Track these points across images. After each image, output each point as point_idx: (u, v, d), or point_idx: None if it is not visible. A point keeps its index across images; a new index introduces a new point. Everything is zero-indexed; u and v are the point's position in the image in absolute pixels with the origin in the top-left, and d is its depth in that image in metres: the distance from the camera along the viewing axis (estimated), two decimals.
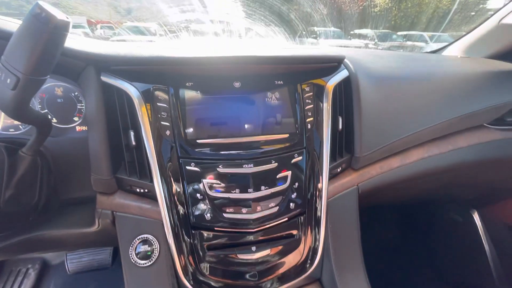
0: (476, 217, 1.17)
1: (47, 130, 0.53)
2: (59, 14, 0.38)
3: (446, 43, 1.19)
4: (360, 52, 1.03)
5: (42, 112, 0.62)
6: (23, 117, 0.46)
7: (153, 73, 0.58)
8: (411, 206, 1.34)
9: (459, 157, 0.87)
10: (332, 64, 0.68)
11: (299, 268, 0.65)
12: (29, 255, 1.27)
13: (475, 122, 0.88)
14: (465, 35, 1.13)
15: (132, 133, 0.57)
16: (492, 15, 1.01)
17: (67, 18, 0.39)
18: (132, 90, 0.55)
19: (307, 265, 0.66)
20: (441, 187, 1.06)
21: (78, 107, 0.65)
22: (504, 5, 0.95)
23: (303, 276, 0.65)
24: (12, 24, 0.50)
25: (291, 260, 0.64)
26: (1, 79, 0.39)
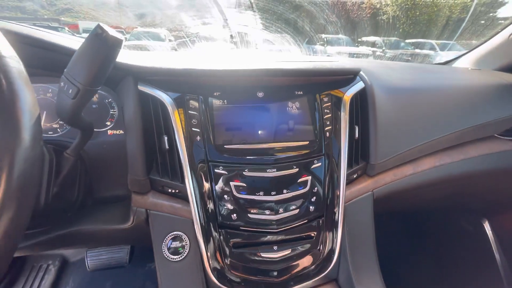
0: (487, 226, 1.18)
1: (90, 134, 0.59)
2: (115, 33, 0.44)
3: (455, 52, 1.22)
4: (373, 63, 1.07)
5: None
6: (75, 123, 0.52)
7: (185, 83, 0.63)
8: (423, 213, 1.36)
9: (470, 166, 0.90)
10: (348, 76, 0.73)
11: (317, 268, 0.68)
12: (50, 252, 1.32)
13: (486, 133, 0.90)
14: (475, 47, 1.16)
15: (165, 138, 0.62)
16: (502, 29, 1.04)
17: (121, 36, 0.45)
18: (166, 98, 0.61)
19: (325, 265, 0.69)
20: (453, 196, 1.08)
21: (111, 112, 0.70)
22: (509, 18, 0.99)
23: (321, 276, 0.68)
24: (74, 42, 0.56)
25: (309, 260, 0.67)
26: (63, 90, 0.45)
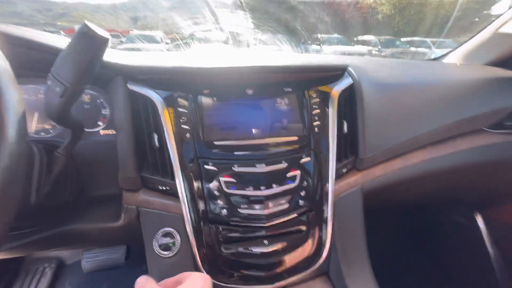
0: (479, 219, 1.20)
1: (80, 133, 0.59)
2: (101, 32, 0.44)
3: (449, 49, 1.24)
4: (363, 60, 1.08)
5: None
6: (64, 121, 0.52)
7: (174, 81, 0.64)
8: (414, 208, 1.37)
9: (460, 159, 0.91)
10: (336, 73, 0.74)
11: (308, 262, 0.69)
12: (46, 254, 1.32)
13: (474, 126, 0.92)
14: (464, 43, 1.18)
15: (155, 136, 0.63)
16: (489, 24, 1.06)
17: (107, 35, 0.46)
18: (156, 97, 0.61)
19: (315, 259, 0.70)
20: (444, 189, 1.09)
21: (103, 112, 0.71)
22: (500, 16, 1.00)
23: (311, 269, 0.69)
24: (61, 41, 0.57)
25: (300, 254, 0.68)
26: (50, 88, 0.46)
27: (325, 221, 0.69)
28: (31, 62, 0.57)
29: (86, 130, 0.69)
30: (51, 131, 0.69)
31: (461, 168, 0.92)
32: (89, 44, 0.44)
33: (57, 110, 0.48)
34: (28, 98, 0.66)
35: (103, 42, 0.45)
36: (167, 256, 0.62)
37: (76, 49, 0.44)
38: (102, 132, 0.71)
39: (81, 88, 0.47)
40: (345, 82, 0.73)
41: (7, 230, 0.36)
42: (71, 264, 1.34)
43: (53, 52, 0.54)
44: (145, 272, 0.62)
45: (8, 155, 0.33)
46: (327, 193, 0.69)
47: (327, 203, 0.69)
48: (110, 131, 0.71)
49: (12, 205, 0.35)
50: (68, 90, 0.45)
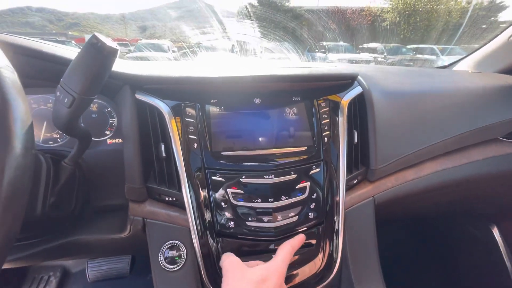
0: (495, 232, 1.15)
1: (87, 143, 0.59)
2: (110, 43, 0.44)
3: (457, 56, 1.22)
4: (371, 68, 1.07)
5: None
6: (71, 131, 0.52)
7: (182, 91, 0.63)
8: (427, 219, 1.33)
9: (475, 170, 0.88)
10: (346, 81, 0.73)
11: (318, 277, 0.66)
12: (51, 262, 1.32)
13: (488, 136, 0.89)
14: (475, 51, 1.16)
15: (162, 146, 0.62)
16: (502, 31, 1.04)
17: (116, 46, 0.45)
18: (163, 106, 0.61)
19: (326, 274, 0.67)
20: (458, 201, 1.05)
21: (110, 121, 0.71)
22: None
23: (322, 285, 0.66)
24: (71, 52, 0.57)
25: (310, 268, 0.65)
26: (59, 99, 0.45)
27: (336, 235, 0.67)
28: (41, 72, 0.57)
29: (94, 139, 0.69)
30: (59, 140, 0.69)
31: (476, 179, 0.89)
32: (98, 55, 0.44)
33: (64, 121, 0.48)
34: (37, 107, 0.67)
35: (112, 53, 0.45)
36: (173, 270, 0.60)
37: (85, 60, 0.44)
38: (108, 141, 0.71)
39: (89, 99, 0.47)
40: (355, 91, 0.71)
41: (13, 241, 0.35)
42: (75, 272, 1.33)
43: (62, 62, 0.54)
44: (149, 282, 0.61)
45: (14, 168, 0.32)
46: (337, 205, 0.67)
47: (338, 215, 0.67)
48: (117, 140, 0.71)
49: (18, 217, 0.35)
50: (76, 100, 0.45)
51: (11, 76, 0.36)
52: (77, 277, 1.31)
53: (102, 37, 0.44)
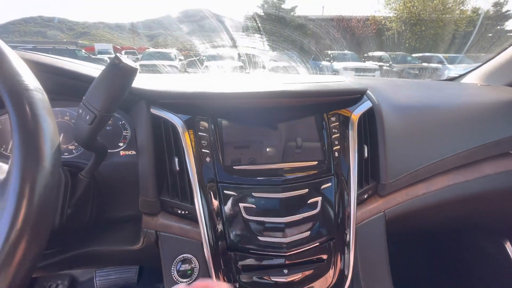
0: (508, 247, 1.12)
1: (103, 156, 0.60)
2: (131, 63, 0.46)
3: (463, 64, 1.21)
4: (380, 81, 1.07)
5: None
6: (91, 146, 0.54)
7: (195, 105, 0.65)
8: (439, 234, 1.30)
9: (486, 185, 0.87)
10: (355, 96, 0.73)
11: None
12: (59, 272, 1.33)
13: (500, 150, 0.88)
14: (483, 63, 1.16)
15: (176, 159, 0.63)
16: (510, 44, 1.04)
17: (136, 66, 0.47)
18: (177, 120, 0.62)
19: None
20: (470, 216, 1.03)
21: (124, 134, 0.73)
22: None
23: None
24: (91, 69, 0.60)
25: (321, 284, 0.65)
26: (81, 116, 0.47)
27: (347, 249, 0.67)
28: (62, 88, 0.60)
29: (108, 151, 0.71)
30: (74, 151, 0.71)
31: (488, 193, 0.88)
32: (119, 74, 0.46)
33: (85, 137, 0.50)
34: (55, 120, 0.69)
35: (132, 73, 0.47)
36: (185, 283, 0.60)
37: (107, 79, 0.46)
38: (121, 152, 0.72)
39: (109, 116, 0.49)
40: (365, 105, 0.72)
41: (41, 255, 0.36)
42: (83, 281, 1.33)
43: (83, 79, 0.57)
44: None
45: (44, 187, 0.33)
46: (348, 220, 0.67)
47: (349, 230, 0.67)
48: (130, 152, 0.72)
49: (45, 233, 0.36)
50: (97, 117, 0.47)
51: (42, 98, 0.37)
52: (84, 286, 1.31)
53: (123, 58, 0.46)
